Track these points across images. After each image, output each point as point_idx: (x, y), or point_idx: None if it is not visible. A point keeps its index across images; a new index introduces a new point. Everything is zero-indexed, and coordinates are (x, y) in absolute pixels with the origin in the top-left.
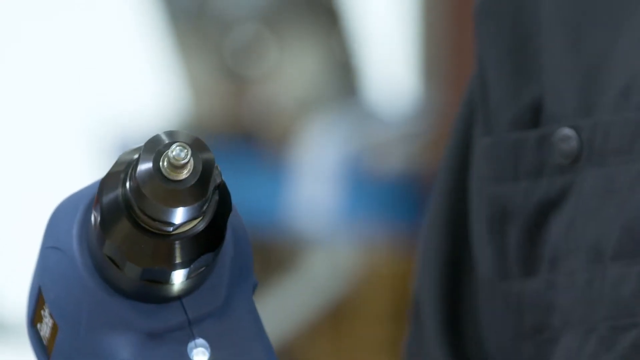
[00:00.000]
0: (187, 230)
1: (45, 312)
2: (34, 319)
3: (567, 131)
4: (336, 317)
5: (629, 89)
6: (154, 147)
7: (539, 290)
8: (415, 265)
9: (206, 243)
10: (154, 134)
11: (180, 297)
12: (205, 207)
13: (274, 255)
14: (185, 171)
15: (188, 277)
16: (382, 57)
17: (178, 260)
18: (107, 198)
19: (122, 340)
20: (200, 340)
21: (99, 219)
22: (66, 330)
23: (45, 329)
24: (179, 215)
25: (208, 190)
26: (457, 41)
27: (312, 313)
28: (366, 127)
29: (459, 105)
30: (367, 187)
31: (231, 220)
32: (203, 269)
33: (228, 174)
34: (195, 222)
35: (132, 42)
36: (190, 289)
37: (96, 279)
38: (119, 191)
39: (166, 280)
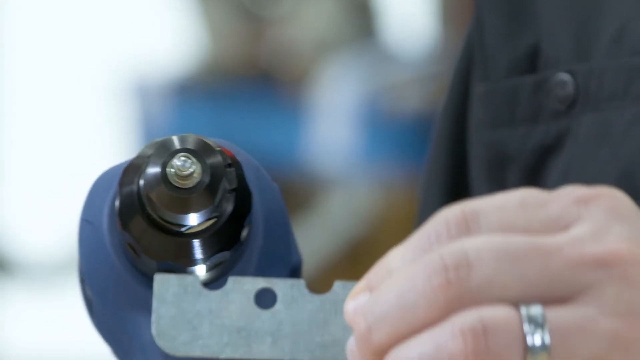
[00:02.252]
0: (200, 230)
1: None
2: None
3: (563, 76)
4: (353, 256)
5: (621, 35)
6: (163, 152)
7: None
8: (417, 213)
9: (220, 242)
10: (167, 137)
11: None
12: (216, 211)
13: (292, 195)
14: (192, 180)
15: (206, 271)
16: None
17: (192, 257)
18: (125, 190)
19: (145, 321)
20: None
21: (117, 207)
22: (97, 301)
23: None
24: (188, 219)
25: (215, 198)
26: None
27: (329, 252)
28: (383, 68)
29: (460, 49)
30: (384, 128)
31: (266, 205)
32: (221, 263)
33: (246, 115)
34: (208, 223)
35: None
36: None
37: (122, 259)
38: (134, 187)
39: (183, 272)
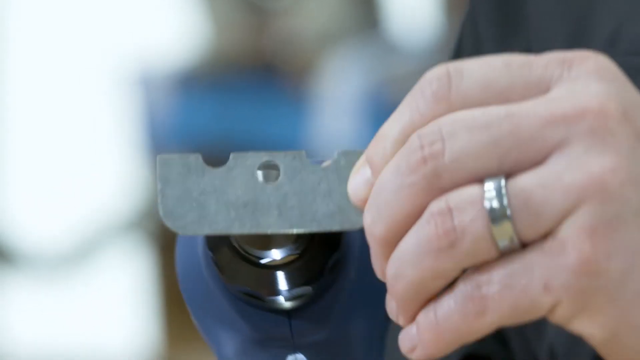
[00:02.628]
0: (282, 264)
1: None
2: None
3: None
4: None
5: (615, 37)
6: None
7: None
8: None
9: (302, 277)
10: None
11: (288, 311)
12: (298, 248)
13: None
14: None
15: (287, 300)
16: None
17: (272, 288)
18: None
19: (227, 337)
20: (300, 356)
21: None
22: (188, 304)
23: None
24: (270, 253)
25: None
26: None
27: None
28: (387, 59)
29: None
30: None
31: (364, 241)
32: (305, 295)
33: (250, 107)
34: (290, 258)
35: None
36: (298, 307)
37: (212, 271)
38: None
39: (263, 300)
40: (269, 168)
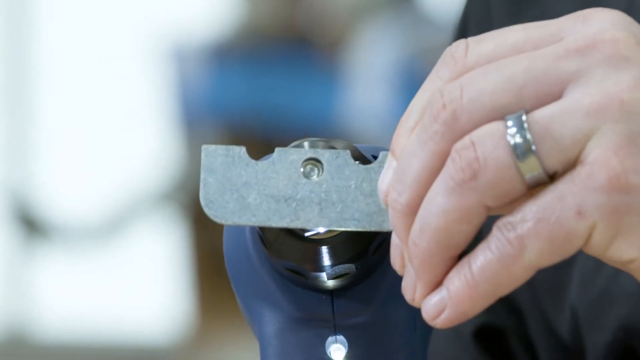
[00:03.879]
0: (327, 238)
1: None
2: None
3: None
4: None
5: (630, 10)
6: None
7: None
8: None
9: (346, 254)
10: (299, 142)
11: (331, 290)
12: None
13: None
14: None
15: (330, 278)
16: None
17: (315, 263)
18: None
19: (269, 315)
20: (341, 337)
21: None
22: (233, 283)
23: None
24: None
25: None
26: None
27: None
28: (420, 31)
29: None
30: None
31: None
32: (348, 274)
33: (283, 79)
34: (335, 232)
35: None
36: (341, 286)
37: (258, 248)
38: None
39: (306, 276)
40: (313, 165)
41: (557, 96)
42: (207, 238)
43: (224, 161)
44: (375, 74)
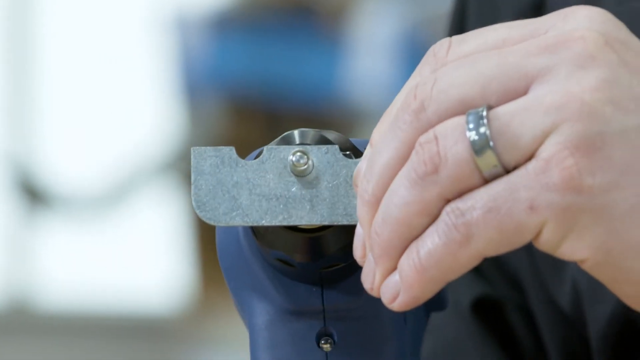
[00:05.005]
0: (315, 229)
1: None
2: None
3: None
4: None
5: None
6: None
7: None
8: None
9: (336, 244)
10: (289, 132)
11: (321, 283)
12: None
13: (329, 128)
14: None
15: (319, 270)
16: None
17: (303, 254)
18: None
19: (260, 306)
20: (330, 329)
21: None
22: (225, 275)
23: None
24: None
25: None
26: None
27: None
28: (422, 0)
29: None
30: None
31: None
32: (337, 266)
33: (284, 49)
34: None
35: None
36: (331, 279)
37: (250, 240)
38: None
39: (296, 266)
40: (302, 161)
41: (522, 92)
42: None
43: (214, 162)
44: (377, 43)
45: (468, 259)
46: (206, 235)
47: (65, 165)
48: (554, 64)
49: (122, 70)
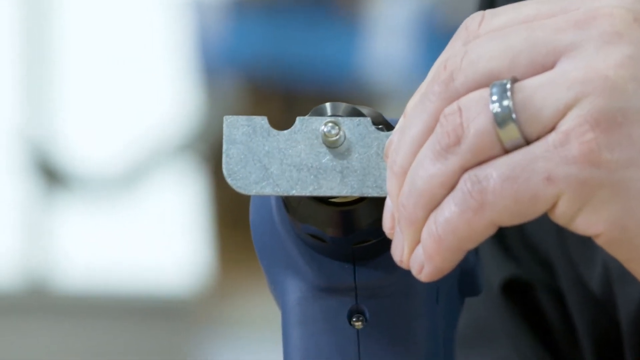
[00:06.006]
0: (348, 203)
1: None
2: None
3: None
4: None
5: None
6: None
7: None
8: None
9: (368, 218)
10: (321, 105)
11: (353, 259)
12: None
13: None
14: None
15: (352, 244)
16: None
17: (335, 227)
18: None
19: (292, 283)
20: (362, 306)
21: None
22: (258, 253)
23: None
24: None
25: None
26: None
27: None
28: None
29: None
30: (440, 41)
31: None
32: (369, 242)
33: (302, 29)
34: (355, 196)
35: None
36: (364, 255)
37: (282, 216)
38: None
39: (328, 242)
40: (333, 132)
41: (550, 67)
42: (227, 188)
43: (246, 131)
44: (395, 23)
45: (483, 227)
46: (224, 216)
47: (83, 146)
48: (582, 40)
49: (140, 51)
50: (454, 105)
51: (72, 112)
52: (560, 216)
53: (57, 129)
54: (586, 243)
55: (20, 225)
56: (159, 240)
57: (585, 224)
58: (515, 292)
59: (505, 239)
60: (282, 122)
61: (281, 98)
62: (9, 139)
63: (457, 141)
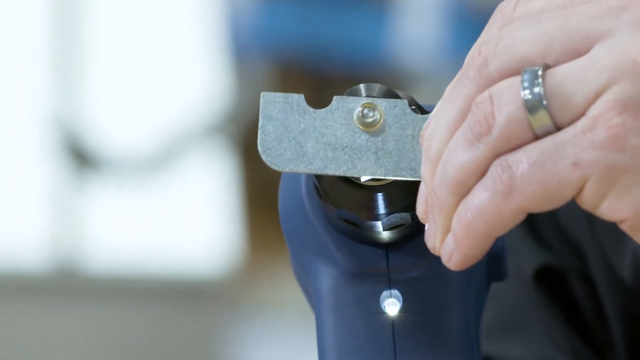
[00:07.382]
0: (381, 186)
1: None
2: None
3: None
4: None
5: None
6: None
7: None
8: None
9: (401, 202)
10: (355, 87)
11: (386, 244)
12: None
13: None
14: (375, 128)
15: (385, 229)
16: None
17: (369, 210)
18: None
19: (324, 270)
20: (395, 292)
21: None
22: (288, 241)
23: None
24: None
25: None
26: None
27: None
28: None
29: None
30: (470, 23)
31: None
32: (404, 225)
33: (333, 11)
34: (390, 180)
35: None
36: (397, 240)
37: (313, 202)
38: None
39: (361, 226)
40: (370, 113)
41: (583, 53)
42: (256, 171)
43: (282, 108)
44: (426, 5)
45: (511, 213)
46: (253, 198)
47: (114, 128)
48: (615, 27)
49: (171, 33)
50: (486, 94)
51: (103, 95)
52: (586, 201)
53: (87, 112)
54: (617, 235)
55: (51, 208)
56: (188, 223)
57: (610, 209)
58: (548, 279)
59: (538, 227)
60: (311, 104)
61: (311, 80)
62: (39, 122)
63: (488, 129)
